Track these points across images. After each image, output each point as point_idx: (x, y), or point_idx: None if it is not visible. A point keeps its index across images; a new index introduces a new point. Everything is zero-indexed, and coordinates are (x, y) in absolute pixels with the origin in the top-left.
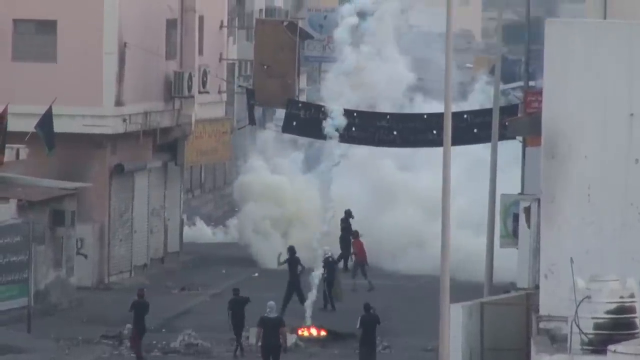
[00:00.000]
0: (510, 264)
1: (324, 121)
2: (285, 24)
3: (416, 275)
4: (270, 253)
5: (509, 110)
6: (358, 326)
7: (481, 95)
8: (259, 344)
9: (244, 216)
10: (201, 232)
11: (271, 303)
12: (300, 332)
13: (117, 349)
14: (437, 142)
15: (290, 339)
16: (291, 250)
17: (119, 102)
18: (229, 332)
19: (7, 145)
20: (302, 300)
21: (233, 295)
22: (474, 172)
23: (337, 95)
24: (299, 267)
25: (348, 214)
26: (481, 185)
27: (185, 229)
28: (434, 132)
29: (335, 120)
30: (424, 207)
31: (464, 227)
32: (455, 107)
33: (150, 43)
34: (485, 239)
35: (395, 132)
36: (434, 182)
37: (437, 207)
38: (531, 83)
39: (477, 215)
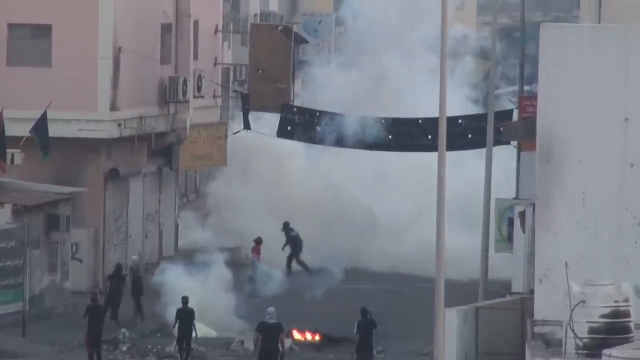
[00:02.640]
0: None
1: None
2: (280, 28)
3: (403, 275)
4: (269, 251)
5: (504, 116)
6: (355, 331)
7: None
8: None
9: (226, 194)
10: (197, 237)
11: (271, 309)
12: (295, 337)
13: (112, 353)
14: (433, 147)
15: (286, 344)
16: (118, 267)
17: (114, 107)
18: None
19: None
20: (116, 316)
21: (182, 303)
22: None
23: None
24: (121, 286)
25: (286, 226)
26: (462, 173)
27: (182, 234)
28: (429, 137)
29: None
30: (410, 197)
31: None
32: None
33: (146, 48)
34: (467, 238)
35: (390, 137)
36: (421, 171)
37: (421, 198)
38: (526, 88)
39: (458, 210)
